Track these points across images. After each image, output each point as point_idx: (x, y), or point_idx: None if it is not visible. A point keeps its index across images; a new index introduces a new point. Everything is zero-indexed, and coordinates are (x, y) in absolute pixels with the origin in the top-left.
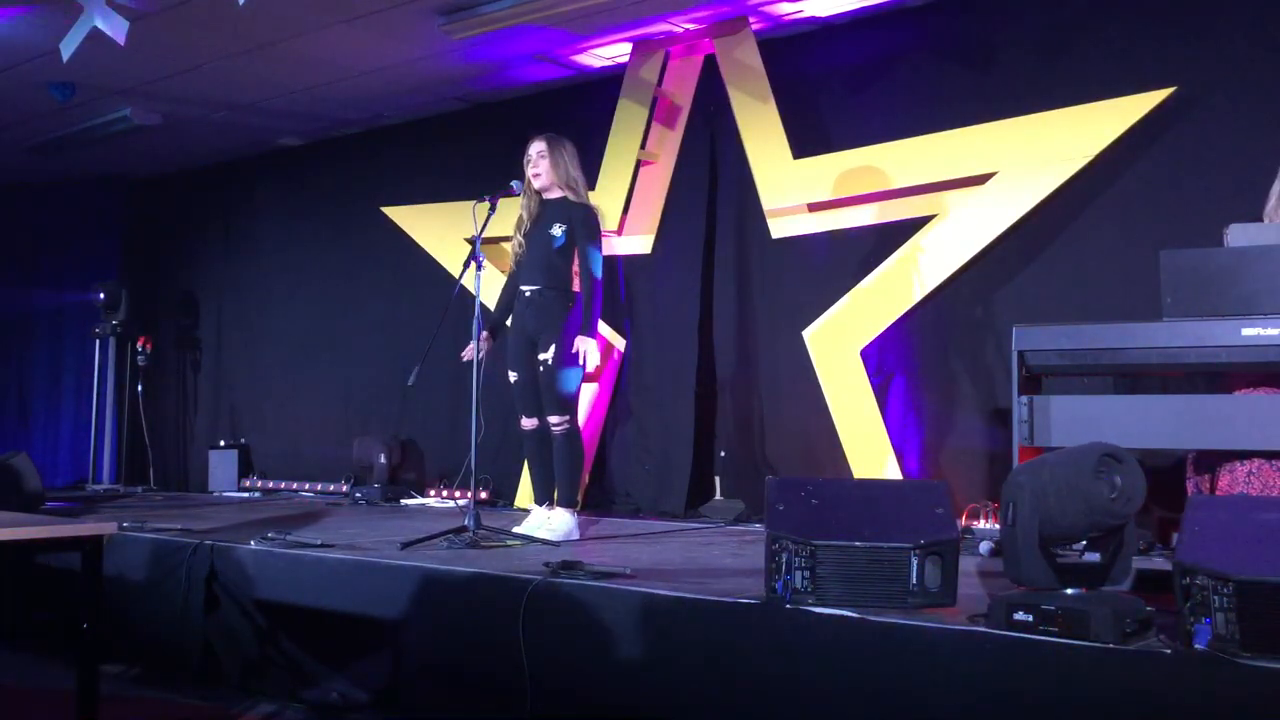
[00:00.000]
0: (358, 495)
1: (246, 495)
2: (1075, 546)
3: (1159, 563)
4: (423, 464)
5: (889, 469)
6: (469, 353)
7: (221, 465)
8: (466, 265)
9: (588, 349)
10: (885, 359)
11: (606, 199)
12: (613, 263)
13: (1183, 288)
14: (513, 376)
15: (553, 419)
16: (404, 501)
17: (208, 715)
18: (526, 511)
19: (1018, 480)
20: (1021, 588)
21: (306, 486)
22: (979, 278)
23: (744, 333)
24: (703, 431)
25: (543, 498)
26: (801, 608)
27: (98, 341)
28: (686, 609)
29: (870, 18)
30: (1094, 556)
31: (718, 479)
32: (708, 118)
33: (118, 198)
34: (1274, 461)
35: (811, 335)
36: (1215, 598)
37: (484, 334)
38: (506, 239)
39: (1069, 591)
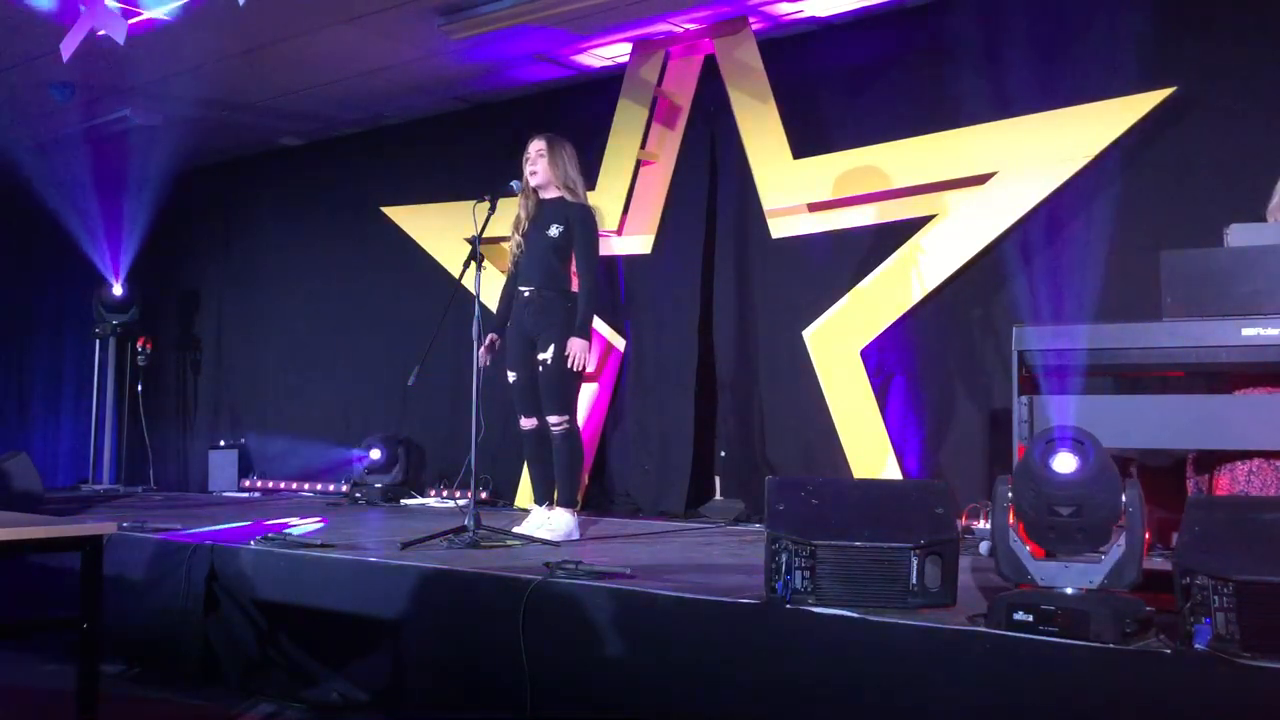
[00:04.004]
0: (358, 495)
1: (246, 495)
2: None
3: (1159, 563)
4: (423, 464)
5: (889, 469)
6: (482, 358)
7: (221, 465)
8: (466, 265)
9: (577, 350)
10: (885, 359)
11: (606, 199)
12: (613, 263)
13: (1183, 288)
14: (511, 376)
15: (552, 419)
16: (404, 501)
17: (208, 715)
18: (526, 511)
19: (1000, 477)
20: (1014, 586)
21: (306, 486)
22: (979, 278)
23: (744, 333)
24: (703, 432)
25: (543, 498)
26: (801, 608)
27: (98, 341)
28: (686, 609)
29: (870, 18)
30: (1094, 555)
31: (718, 479)
32: (708, 118)
33: (118, 198)
34: (1274, 461)
35: (811, 335)
36: (1215, 598)
37: (491, 337)
38: (506, 239)
39: (1069, 591)
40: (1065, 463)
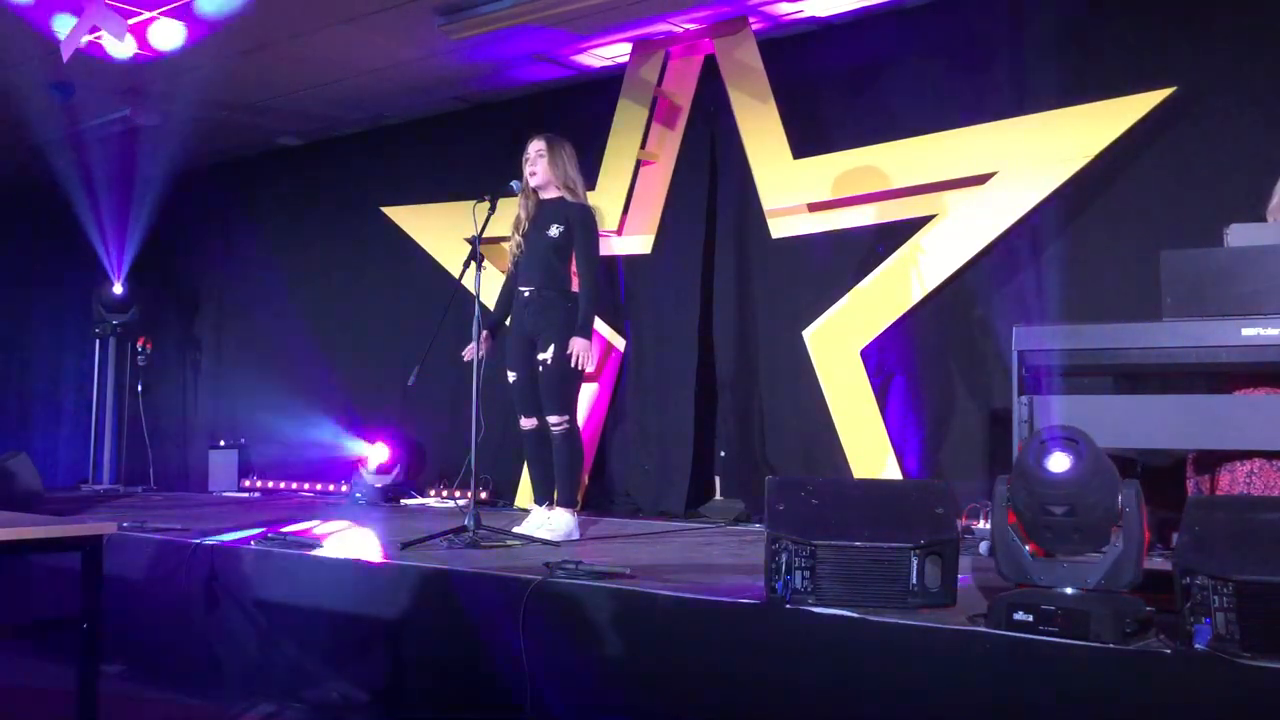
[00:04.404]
0: (358, 495)
1: (246, 495)
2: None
3: (1159, 563)
4: (423, 464)
5: (889, 469)
6: (469, 352)
7: (221, 465)
8: (466, 265)
9: (579, 350)
10: (885, 359)
11: (606, 199)
12: (612, 263)
13: (1183, 288)
14: (511, 376)
15: (552, 419)
16: (404, 501)
17: (208, 715)
18: (526, 511)
19: (1000, 477)
20: (1014, 586)
21: (306, 486)
22: (979, 278)
23: (744, 333)
24: (703, 432)
25: (543, 498)
26: (801, 608)
27: (98, 341)
28: (686, 609)
29: (870, 18)
30: (1093, 555)
31: (718, 479)
32: (708, 118)
33: (118, 197)
34: (1274, 461)
35: (811, 335)
36: (1215, 598)
37: (484, 334)
38: (506, 239)
39: (1069, 591)
40: (1058, 462)
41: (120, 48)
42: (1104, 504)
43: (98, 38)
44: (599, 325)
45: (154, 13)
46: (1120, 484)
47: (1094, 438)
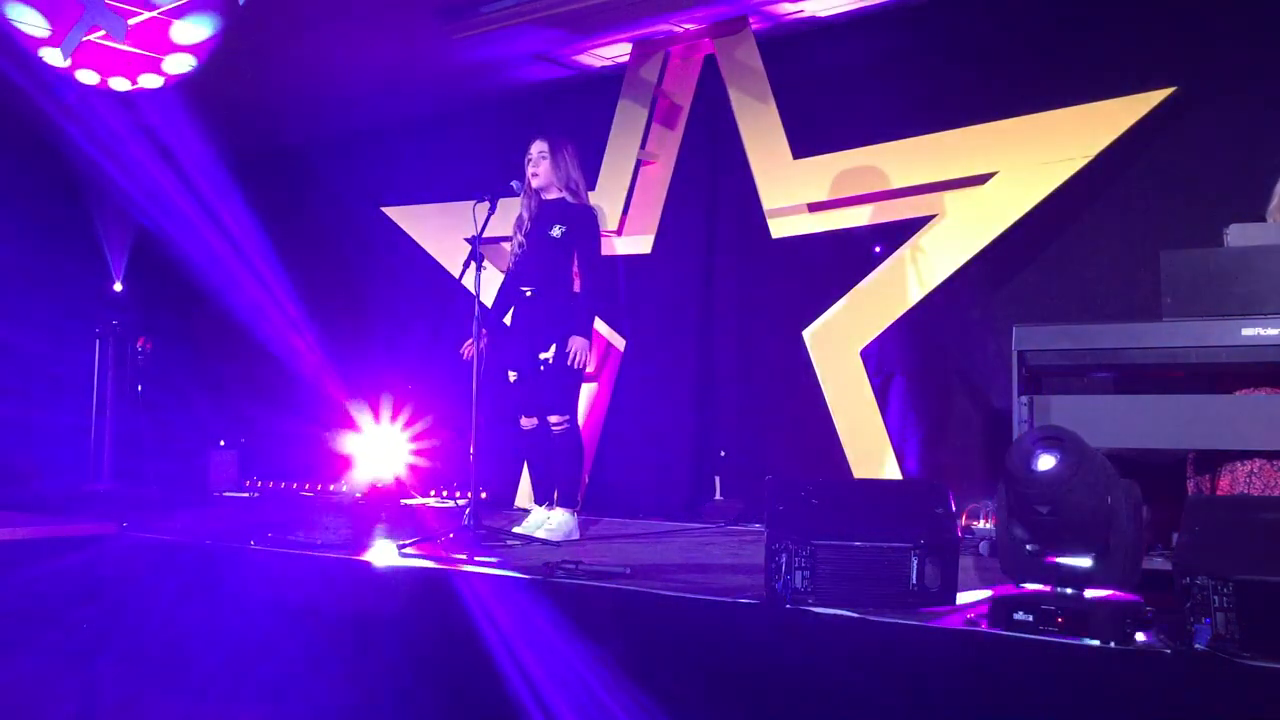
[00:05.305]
0: (358, 495)
1: (247, 495)
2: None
3: (1159, 563)
4: (423, 464)
5: (889, 469)
6: (468, 350)
7: (222, 465)
8: (466, 265)
9: (578, 349)
10: (885, 359)
11: (606, 199)
12: (613, 263)
13: (1183, 288)
14: (512, 376)
15: (552, 418)
16: (404, 501)
17: (208, 715)
18: (526, 511)
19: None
20: (1016, 584)
21: (306, 486)
22: (979, 278)
23: (744, 333)
24: (703, 431)
25: (543, 498)
26: (801, 608)
27: (97, 341)
28: (686, 609)
29: (870, 17)
30: (1085, 558)
31: (718, 479)
32: (708, 118)
33: (118, 196)
34: (1274, 461)
35: (811, 335)
36: (1215, 598)
37: (484, 332)
38: (506, 239)
39: (1069, 591)
40: (1044, 462)
41: (120, 82)
42: (1090, 503)
43: (99, 37)
44: (599, 325)
45: (154, 12)
46: (1113, 483)
47: (1094, 438)
